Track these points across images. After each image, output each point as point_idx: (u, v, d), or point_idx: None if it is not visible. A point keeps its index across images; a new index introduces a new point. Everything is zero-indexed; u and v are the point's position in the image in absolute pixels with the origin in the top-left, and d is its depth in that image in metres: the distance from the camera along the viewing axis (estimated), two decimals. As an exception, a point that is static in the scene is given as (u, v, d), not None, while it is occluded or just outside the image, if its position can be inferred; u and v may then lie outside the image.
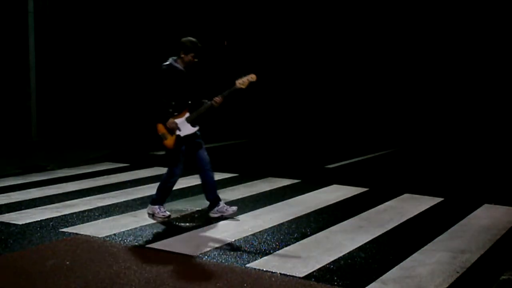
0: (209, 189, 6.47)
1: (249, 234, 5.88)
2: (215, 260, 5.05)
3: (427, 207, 7.16)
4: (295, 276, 4.67)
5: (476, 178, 9.31)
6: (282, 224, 6.27)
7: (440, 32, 16.43)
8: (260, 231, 5.98)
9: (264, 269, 4.81)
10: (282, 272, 4.75)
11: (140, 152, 11.66)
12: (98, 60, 14.55)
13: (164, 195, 6.49)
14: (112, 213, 6.71)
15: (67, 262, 4.92)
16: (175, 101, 6.15)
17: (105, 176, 8.97)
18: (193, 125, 6.25)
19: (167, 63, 6.22)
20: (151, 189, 8.00)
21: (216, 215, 6.45)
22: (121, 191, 7.91)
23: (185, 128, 6.21)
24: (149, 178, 8.84)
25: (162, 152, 11.88)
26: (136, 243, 5.52)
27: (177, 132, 6.19)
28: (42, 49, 12.72)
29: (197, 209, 6.94)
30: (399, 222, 6.41)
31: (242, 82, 6.12)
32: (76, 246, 5.42)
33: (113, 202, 7.21)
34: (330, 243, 5.55)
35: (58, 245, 5.44)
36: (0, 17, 12.34)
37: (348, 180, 8.81)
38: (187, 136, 6.24)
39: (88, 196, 7.58)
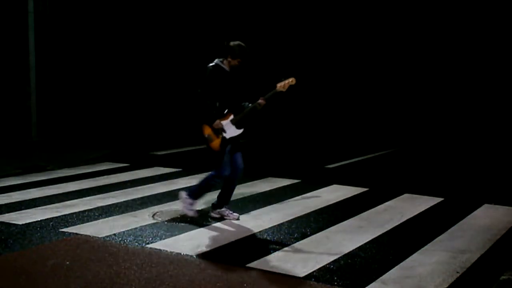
0: (224, 195, 6.44)
1: (249, 234, 5.88)
2: (215, 260, 5.05)
3: (427, 207, 7.16)
4: (295, 276, 4.67)
5: (476, 178, 9.31)
6: (282, 224, 6.27)
7: (440, 32, 16.42)
8: (260, 231, 5.98)
9: (264, 269, 4.81)
10: (282, 272, 4.75)
11: (140, 152, 11.66)
12: (98, 60, 14.55)
13: (201, 194, 6.42)
14: (112, 213, 6.70)
15: (67, 262, 4.92)
16: (219, 102, 6.10)
17: (105, 176, 8.97)
18: (237, 127, 6.19)
19: (213, 63, 6.14)
20: (151, 189, 8.01)
21: (216, 216, 6.45)
22: (121, 191, 7.90)
23: (230, 130, 6.15)
24: (149, 178, 8.85)
25: (162, 152, 11.98)
26: (136, 243, 5.52)
27: (223, 134, 6.12)
28: (42, 49, 12.71)
29: (197, 209, 6.94)
30: (399, 222, 6.41)
31: (282, 85, 6.09)
32: (76, 246, 5.42)
33: (113, 202, 7.21)
34: (330, 243, 5.55)
35: (58, 245, 5.44)
36: (0, 17, 12.34)
37: (348, 180, 8.81)
38: (232, 138, 6.19)
39: (88, 196, 7.58)
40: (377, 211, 6.90)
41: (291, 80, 6.10)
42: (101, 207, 6.98)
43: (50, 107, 13.12)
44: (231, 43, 6.12)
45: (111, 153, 11.27)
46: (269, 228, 6.11)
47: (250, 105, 6.18)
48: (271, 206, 7.11)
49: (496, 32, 15.65)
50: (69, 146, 12.00)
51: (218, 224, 6.26)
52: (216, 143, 6.14)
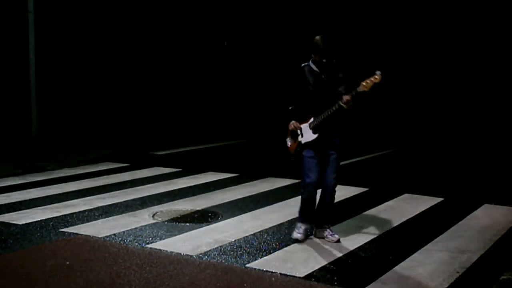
0: (319, 213, 5.70)
1: (249, 234, 5.88)
2: (215, 260, 5.05)
3: (427, 207, 7.16)
4: (295, 276, 4.67)
5: (476, 178, 9.31)
6: (282, 224, 6.27)
7: (440, 32, 16.42)
8: (260, 231, 5.98)
9: (264, 269, 4.82)
10: (282, 272, 4.75)
11: (140, 152, 11.65)
12: (99, 59, 14.54)
13: (303, 211, 5.67)
14: (112, 213, 6.70)
15: (67, 262, 4.91)
16: (304, 105, 5.54)
17: (105, 176, 8.96)
18: (314, 132, 5.49)
19: (305, 63, 5.58)
20: (151, 189, 8.01)
21: (318, 237, 5.73)
22: (121, 191, 7.90)
23: (307, 134, 5.52)
24: (149, 178, 8.84)
25: (162, 152, 11.98)
26: (136, 243, 5.52)
27: (299, 138, 5.58)
28: (42, 48, 12.71)
29: (197, 209, 6.94)
30: (399, 222, 6.41)
31: (365, 84, 5.14)
32: (76, 246, 5.42)
33: (113, 202, 7.21)
34: (330, 243, 5.55)
35: (58, 245, 5.44)
36: (0, 17, 12.34)
37: (348, 180, 8.80)
38: (309, 144, 5.51)
39: (88, 196, 7.57)
40: (377, 211, 6.90)
41: (374, 78, 5.09)
42: (101, 207, 6.98)
43: (50, 106, 13.11)
44: (315, 37, 5.39)
45: (111, 153, 11.27)
46: (269, 228, 6.11)
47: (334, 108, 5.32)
48: (271, 206, 7.11)
49: (496, 32, 15.65)
50: (69, 146, 12.00)
51: (218, 224, 6.26)
52: (292, 147, 5.67)
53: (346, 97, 5.18)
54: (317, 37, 5.35)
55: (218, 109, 17.32)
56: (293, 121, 5.53)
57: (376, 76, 5.06)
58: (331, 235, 5.64)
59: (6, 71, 12.52)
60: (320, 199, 5.64)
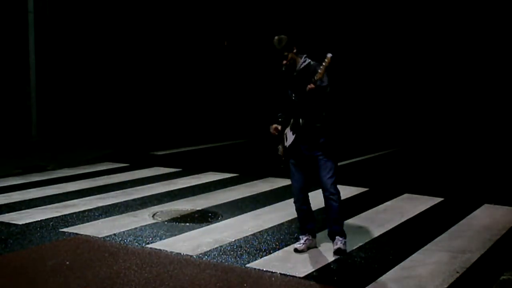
0: (329, 221, 5.33)
1: (249, 234, 5.88)
2: (215, 260, 5.05)
3: (427, 207, 7.16)
4: (295, 276, 4.67)
5: (476, 178, 9.31)
6: (282, 224, 6.27)
7: (440, 32, 16.42)
8: (260, 231, 5.98)
9: (264, 269, 4.81)
10: (282, 272, 4.75)
11: (140, 152, 11.65)
12: (98, 59, 14.55)
13: (300, 220, 5.44)
14: (112, 213, 6.70)
15: (67, 262, 4.91)
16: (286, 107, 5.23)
17: (105, 176, 8.96)
18: (293, 133, 5.14)
19: None
20: (151, 189, 8.01)
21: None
22: (121, 191, 7.90)
23: (290, 137, 5.17)
24: (149, 178, 8.84)
25: (162, 152, 11.98)
26: (136, 243, 5.52)
27: (285, 143, 5.23)
28: (42, 49, 12.71)
29: (197, 209, 6.94)
30: (399, 222, 6.41)
31: (320, 71, 4.80)
32: (76, 246, 5.42)
33: (113, 202, 7.21)
34: (330, 243, 5.54)
35: (58, 245, 5.44)
36: (0, 17, 12.34)
37: (348, 180, 8.79)
38: (292, 147, 5.17)
39: (88, 196, 7.57)
40: (377, 211, 6.90)
41: (325, 62, 4.84)
42: (101, 207, 6.98)
43: (50, 106, 13.11)
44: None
45: (111, 153, 11.28)
46: (269, 228, 6.11)
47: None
48: (271, 206, 7.11)
49: (496, 32, 15.65)
50: (69, 146, 12.00)
51: (218, 224, 6.27)
52: (282, 153, 5.32)
53: (310, 86, 4.81)
54: (274, 39, 5.15)
55: (218, 109, 17.32)
56: (273, 125, 5.24)
57: (326, 60, 4.83)
58: (339, 244, 5.19)
59: (6, 71, 12.52)
60: (325, 205, 5.33)
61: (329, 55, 4.86)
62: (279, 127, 5.25)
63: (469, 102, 15.81)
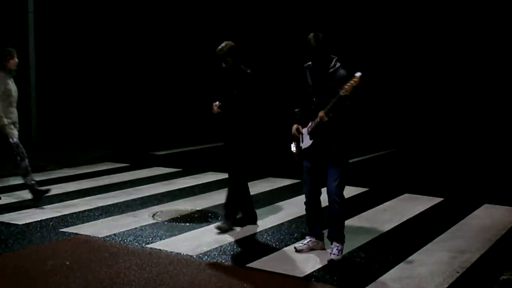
0: (329, 225, 5.26)
1: (249, 234, 5.88)
2: (215, 260, 5.06)
3: (427, 207, 7.16)
4: (295, 276, 4.67)
5: (476, 178, 9.31)
6: (282, 224, 6.27)
7: (440, 32, 16.42)
8: (260, 231, 5.98)
9: (264, 269, 4.81)
10: (282, 272, 4.75)
11: (140, 152, 11.65)
12: (98, 60, 14.54)
13: (307, 222, 5.39)
14: (112, 213, 6.70)
15: (67, 262, 4.91)
16: (306, 106, 5.18)
17: (105, 176, 8.96)
18: (310, 138, 5.08)
19: (309, 62, 5.20)
20: (151, 189, 8.01)
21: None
22: (121, 191, 7.90)
23: (306, 139, 5.13)
24: (149, 178, 8.84)
25: (162, 152, 11.98)
26: (136, 243, 5.52)
27: (301, 144, 5.20)
28: (42, 49, 12.71)
29: (197, 209, 6.94)
30: (399, 222, 6.41)
31: (347, 87, 4.73)
32: (76, 246, 5.42)
33: (113, 202, 7.21)
34: (330, 243, 5.54)
35: (58, 245, 5.44)
36: (0, 17, 12.34)
37: (348, 180, 8.79)
38: (307, 150, 5.14)
39: (88, 196, 7.57)
40: (377, 211, 6.90)
41: (354, 81, 4.73)
42: (101, 207, 6.98)
43: (50, 107, 13.11)
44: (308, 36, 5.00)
45: (111, 153, 11.27)
46: (269, 228, 6.11)
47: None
48: (271, 206, 7.11)
49: (496, 32, 15.65)
50: (69, 146, 12.00)
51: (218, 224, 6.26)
52: (296, 153, 5.29)
53: (320, 113, 4.82)
54: (309, 35, 4.95)
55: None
56: (295, 125, 5.18)
57: (354, 79, 4.73)
58: (334, 251, 5.10)
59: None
60: (328, 211, 5.24)
61: (358, 74, 4.74)
62: (301, 128, 5.16)
63: (469, 102, 15.80)
